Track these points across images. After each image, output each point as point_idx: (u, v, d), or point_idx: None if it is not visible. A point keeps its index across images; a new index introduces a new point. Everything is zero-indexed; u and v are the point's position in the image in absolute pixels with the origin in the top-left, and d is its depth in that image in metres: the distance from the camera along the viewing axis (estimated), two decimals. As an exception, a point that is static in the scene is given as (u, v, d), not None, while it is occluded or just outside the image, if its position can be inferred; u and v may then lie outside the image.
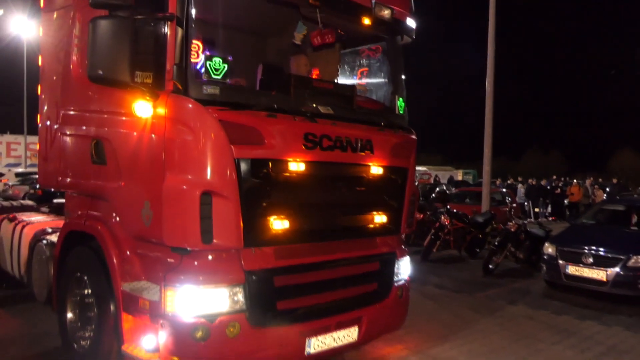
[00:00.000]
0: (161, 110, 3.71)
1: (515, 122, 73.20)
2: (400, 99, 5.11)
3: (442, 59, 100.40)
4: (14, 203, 7.61)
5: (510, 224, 10.30)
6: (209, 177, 3.62)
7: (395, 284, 4.97)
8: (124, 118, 4.07)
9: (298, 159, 3.98)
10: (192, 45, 3.79)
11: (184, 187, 3.60)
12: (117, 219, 4.21)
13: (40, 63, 5.52)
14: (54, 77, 5.18)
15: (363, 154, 4.46)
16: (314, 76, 5.06)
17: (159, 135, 3.74)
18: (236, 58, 4.47)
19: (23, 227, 6.01)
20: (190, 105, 3.64)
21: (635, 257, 7.72)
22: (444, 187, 25.04)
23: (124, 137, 4.12)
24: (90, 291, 4.42)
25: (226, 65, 3.82)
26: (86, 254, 4.48)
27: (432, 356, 5.44)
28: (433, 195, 20.51)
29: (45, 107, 5.38)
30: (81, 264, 4.57)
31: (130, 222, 4.05)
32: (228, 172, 3.66)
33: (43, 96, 5.45)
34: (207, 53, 3.82)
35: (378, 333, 4.95)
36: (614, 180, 25.79)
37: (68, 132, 4.94)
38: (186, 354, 3.65)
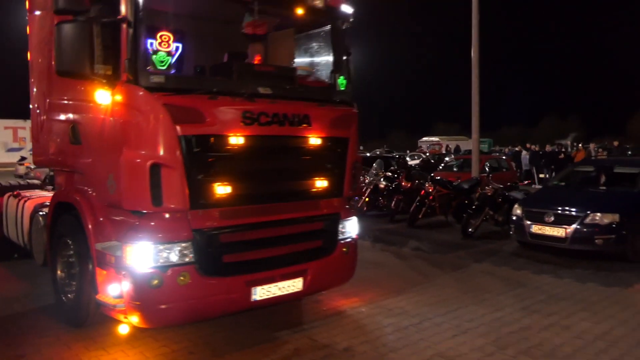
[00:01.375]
0: (118, 97, 4.42)
1: (531, 88, 72.11)
2: (342, 77, 5.70)
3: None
4: (21, 182, 8.51)
5: (487, 188, 10.82)
6: (156, 151, 4.33)
7: (341, 241, 5.65)
8: (90, 105, 4.79)
9: (237, 134, 4.65)
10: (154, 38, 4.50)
11: (137, 160, 4.32)
12: (91, 190, 4.97)
13: (29, 57, 6.28)
14: (40, 70, 5.94)
15: (300, 127, 5.10)
16: (256, 61, 5.68)
17: (116, 117, 4.45)
18: (194, 48, 5.14)
19: (25, 202, 6.86)
20: (140, 93, 4.33)
21: (592, 215, 8.21)
22: (452, 157, 25.50)
23: (91, 120, 4.86)
24: (73, 252, 5.22)
25: (170, 58, 4.48)
26: (70, 221, 5.26)
27: (382, 306, 6.11)
28: (442, 165, 21.03)
29: (35, 96, 6.16)
30: (66, 229, 5.36)
31: (100, 191, 4.81)
32: (173, 147, 4.35)
33: (34, 87, 6.22)
34: (153, 48, 4.46)
35: (325, 285, 5.66)
36: (615, 143, 25.71)
37: (52, 118, 5.71)
38: (144, 299, 4.40)
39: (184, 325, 5.11)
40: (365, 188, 13.46)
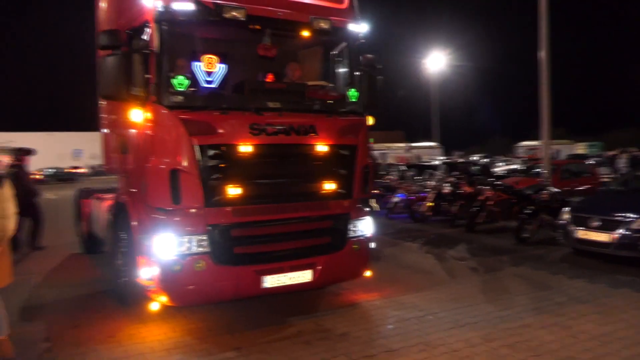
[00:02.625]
0: (147, 115, 5.39)
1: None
2: (352, 90, 6.29)
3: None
4: (103, 187, 10.01)
5: (544, 193, 10.66)
6: (175, 159, 5.23)
7: (352, 239, 6.21)
8: (130, 122, 5.80)
9: (245, 143, 5.43)
10: (179, 64, 5.47)
11: (161, 166, 5.25)
12: (134, 192, 6.01)
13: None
14: None
15: (307, 135, 5.77)
16: (268, 79, 6.42)
17: (146, 131, 5.43)
18: (234, 69, 6.01)
19: (102, 202, 8.17)
20: (163, 110, 5.27)
21: (638, 220, 7.95)
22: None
23: (131, 134, 5.90)
24: (125, 243, 6.29)
25: (188, 81, 5.37)
26: (123, 218, 6.36)
27: (396, 301, 6.56)
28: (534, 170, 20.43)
29: (102, 115, 7.44)
30: (121, 225, 6.47)
31: (139, 193, 5.83)
32: (188, 154, 5.22)
33: (101, 107, 7.51)
34: (172, 74, 5.37)
35: (335, 278, 6.26)
36: None
37: (111, 132, 6.91)
38: (167, 281, 5.29)
39: (205, 305, 5.96)
40: (428, 193, 13.71)
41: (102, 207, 8.09)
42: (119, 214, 6.55)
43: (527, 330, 5.47)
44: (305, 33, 5.91)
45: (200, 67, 5.81)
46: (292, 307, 6.24)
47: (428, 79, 40.44)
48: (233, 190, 5.43)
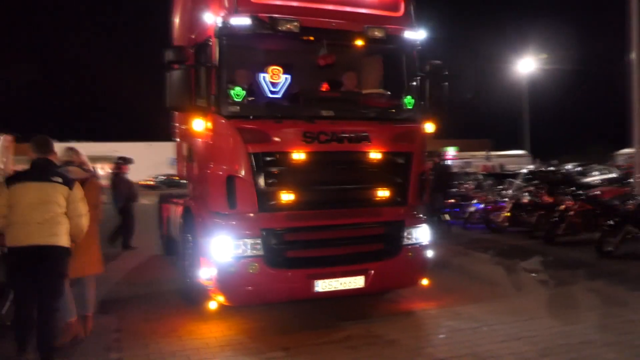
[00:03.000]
0: (208, 124, 5.75)
1: None
2: (409, 97, 6.31)
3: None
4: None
5: (630, 203, 9.93)
6: (232, 166, 5.54)
7: (406, 246, 6.19)
8: (194, 131, 6.19)
9: (299, 150, 5.63)
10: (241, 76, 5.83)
11: (219, 172, 5.59)
12: (198, 197, 6.40)
13: None
14: None
15: (360, 143, 5.86)
16: (323, 88, 6.57)
17: (207, 140, 5.80)
18: (297, 78, 6.29)
19: (176, 207, 8.74)
20: (221, 120, 5.60)
21: None
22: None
23: (195, 143, 6.31)
24: (192, 245, 6.70)
25: (244, 92, 5.67)
26: (190, 221, 6.79)
27: (452, 311, 6.43)
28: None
29: (174, 125, 7.99)
30: (188, 228, 6.90)
31: (201, 198, 6.20)
32: (244, 162, 5.51)
33: (173, 118, 8.06)
34: (230, 85, 5.69)
35: (388, 285, 6.28)
36: None
37: (180, 141, 7.41)
38: (224, 281, 5.58)
39: (260, 306, 6.20)
40: (506, 203, 13.23)
41: (176, 211, 8.65)
42: (187, 217, 6.99)
43: (588, 347, 5.18)
44: (360, 42, 6.02)
45: (265, 78, 6.13)
46: (346, 312, 6.32)
47: (518, 84, 38.85)
48: (286, 196, 5.63)
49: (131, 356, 5.14)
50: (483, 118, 66.28)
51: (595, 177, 24.70)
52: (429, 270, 6.52)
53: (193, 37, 6.61)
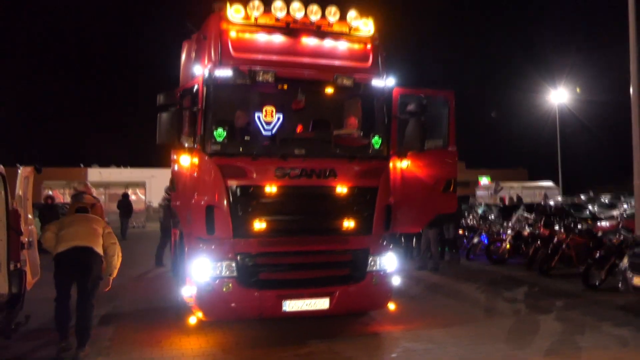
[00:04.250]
0: (194, 160, 6.60)
1: None
2: (376, 137, 7.01)
3: None
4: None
5: (615, 237, 10.22)
6: (211, 197, 6.34)
7: (371, 273, 6.82)
8: (180, 165, 7.04)
9: (271, 184, 6.39)
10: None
11: (201, 202, 6.39)
12: (185, 223, 7.22)
13: None
14: None
15: (327, 178, 6.58)
16: (299, 130, 7.34)
17: (192, 173, 6.63)
18: (253, 119, 7.13)
19: (176, 231, 9.61)
20: (205, 157, 6.43)
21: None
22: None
23: (181, 175, 7.15)
24: (182, 265, 7.49)
25: (225, 132, 6.49)
26: (181, 244, 7.61)
27: (416, 334, 6.96)
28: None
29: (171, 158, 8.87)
30: (181, 250, 7.73)
31: (185, 224, 7.02)
32: (222, 194, 6.30)
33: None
34: (214, 126, 6.51)
35: (352, 307, 6.88)
36: None
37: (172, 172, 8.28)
38: (202, 298, 6.34)
39: (234, 322, 6.90)
40: (506, 234, 13.59)
41: (176, 235, 9.53)
42: (181, 241, 7.82)
43: (523, 369, 5.65)
44: (330, 90, 6.80)
45: (260, 118, 6.97)
46: (317, 331, 6.93)
47: (553, 114, 38.82)
48: (258, 224, 6.38)
49: (114, 353, 5.97)
50: (521, 147, 65.76)
51: (619, 210, 24.49)
52: (393, 295, 7.10)
53: (188, 83, 7.53)
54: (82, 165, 46.05)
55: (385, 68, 7.16)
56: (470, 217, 15.89)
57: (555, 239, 11.73)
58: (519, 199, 21.14)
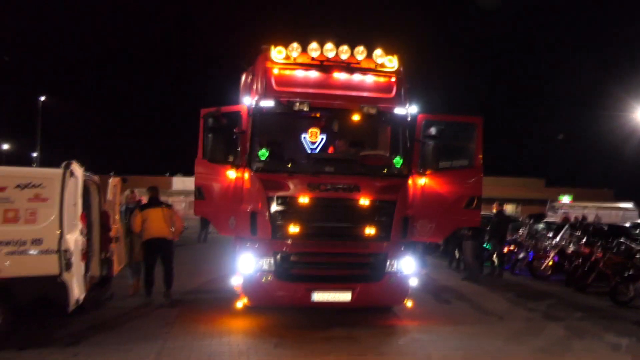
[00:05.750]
0: (241, 175, 8.08)
1: None
2: (398, 157, 8.19)
3: None
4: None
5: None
6: (255, 204, 7.79)
7: (388, 274, 7.97)
8: (218, 177, 8.39)
9: (304, 196, 7.74)
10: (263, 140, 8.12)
11: (247, 209, 7.87)
12: (235, 226, 8.62)
13: None
14: None
15: (352, 192, 7.84)
16: (330, 151, 8.63)
17: (238, 185, 8.11)
18: (292, 141, 8.52)
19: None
20: (251, 173, 7.90)
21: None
22: None
23: (218, 185, 8.43)
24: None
25: (268, 152, 7.93)
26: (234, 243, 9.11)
27: (426, 329, 8.01)
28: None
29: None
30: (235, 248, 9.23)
31: (237, 227, 8.44)
32: (264, 203, 7.73)
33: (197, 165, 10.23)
34: (258, 147, 7.96)
35: (371, 302, 8.06)
36: None
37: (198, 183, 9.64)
38: (246, 287, 7.80)
39: (272, 308, 8.28)
40: (549, 251, 14.07)
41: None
42: (235, 241, 9.36)
43: (504, 357, 6.58)
44: (357, 117, 8.09)
45: (306, 139, 8.41)
46: (340, 320, 8.13)
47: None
48: (293, 229, 7.74)
49: (177, 329, 7.52)
50: (610, 168, 63.19)
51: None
52: (410, 294, 8.18)
53: (233, 107, 8.86)
54: (168, 174, 49.75)
55: (407, 98, 8.35)
56: (519, 233, 16.35)
57: (593, 257, 12.17)
58: (584, 218, 20.98)
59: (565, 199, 55.35)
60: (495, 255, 14.76)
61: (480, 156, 8.60)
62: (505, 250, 15.32)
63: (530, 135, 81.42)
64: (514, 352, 6.99)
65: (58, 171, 6.65)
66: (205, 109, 8.04)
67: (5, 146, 50.16)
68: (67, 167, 6.68)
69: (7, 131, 50.07)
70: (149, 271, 9.50)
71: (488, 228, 14.74)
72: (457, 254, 15.31)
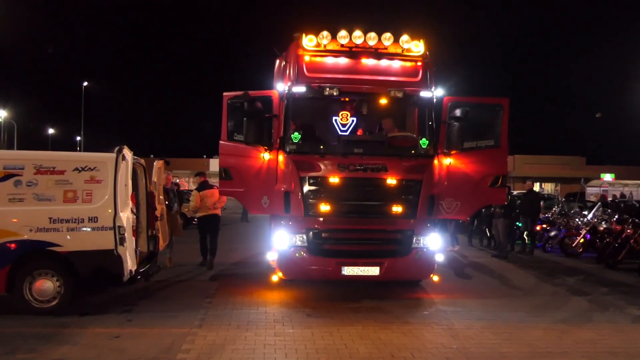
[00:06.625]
0: (274, 156, 8.59)
1: None
2: (424, 138, 8.55)
3: None
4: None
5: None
6: (288, 184, 8.31)
7: (415, 249, 8.40)
8: (252, 158, 8.90)
9: (334, 176, 8.21)
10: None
11: (281, 189, 8.40)
12: (271, 205, 9.15)
13: None
14: None
15: (379, 172, 8.26)
16: (359, 133, 9.02)
17: (273, 167, 8.64)
18: (323, 124, 8.97)
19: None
20: (285, 155, 8.42)
21: None
22: None
23: (250, 167, 8.92)
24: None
25: (300, 135, 8.40)
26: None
27: (452, 301, 8.41)
28: None
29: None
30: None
31: (272, 205, 8.98)
32: (296, 183, 8.24)
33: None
34: (291, 130, 8.44)
35: (399, 276, 8.52)
36: None
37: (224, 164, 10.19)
38: (281, 262, 8.37)
39: (305, 281, 8.82)
40: (581, 229, 14.18)
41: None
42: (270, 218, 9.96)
43: (524, 329, 6.95)
44: (384, 100, 8.48)
45: (337, 121, 8.87)
46: (370, 293, 8.64)
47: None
48: (324, 207, 8.24)
49: (218, 300, 8.19)
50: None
51: None
52: (435, 269, 8.61)
53: (271, 95, 9.35)
54: (205, 157, 51.09)
55: (433, 81, 8.66)
56: (552, 211, 16.43)
57: (624, 234, 12.26)
58: (622, 196, 20.85)
59: (607, 177, 54.18)
60: (526, 233, 14.98)
61: (506, 136, 8.86)
62: (538, 228, 15.48)
63: (568, 114, 79.32)
64: (534, 322, 7.33)
65: (111, 155, 7.32)
66: (229, 92, 8.55)
67: (51, 130, 52.41)
68: (120, 151, 7.34)
69: (53, 116, 52.27)
70: (203, 242, 11.02)
71: (519, 205, 14.93)
72: (488, 232, 15.58)
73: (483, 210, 14.32)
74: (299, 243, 8.32)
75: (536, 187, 42.75)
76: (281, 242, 8.37)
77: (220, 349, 5.98)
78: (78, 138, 50.35)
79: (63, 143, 49.82)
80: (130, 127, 62.07)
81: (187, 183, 26.44)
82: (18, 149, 39.26)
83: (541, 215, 15.73)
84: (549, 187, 51.50)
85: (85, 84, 47.55)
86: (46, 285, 7.21)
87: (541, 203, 16.39)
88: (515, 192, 17.61)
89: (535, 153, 52.07)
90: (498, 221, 13.59)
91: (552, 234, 15.14)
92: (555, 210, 16.29)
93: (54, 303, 7.24)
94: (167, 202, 10.19)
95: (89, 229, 7.20)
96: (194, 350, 5.91)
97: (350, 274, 8.28)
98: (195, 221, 12.10)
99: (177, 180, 18.41)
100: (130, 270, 7.43)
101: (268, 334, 6.58)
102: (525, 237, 14.99)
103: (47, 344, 6.03)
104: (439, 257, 8.73)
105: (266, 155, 8.56)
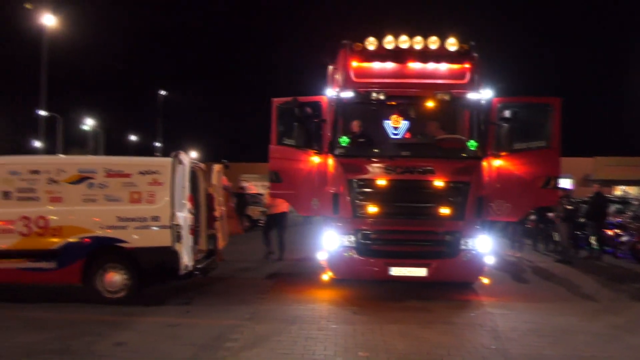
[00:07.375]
0: (323, 159, 8.91)
1: None
2: (472, 140, 8.58)
3: None
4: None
5: None
6: (337, 186, 8.61)
7: (463, 251, 8.42)
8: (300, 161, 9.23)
9: (382, 178, 8.42)
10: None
11: (330, 191, 8.72)
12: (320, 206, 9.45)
13: None
14: None
15: (426, 174, 8.38)
16: (407, 136, 9.12)
17: (323, 170, 8.96)
18: (372, 128, 9.19)
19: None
20: (333, 158, 8.73)
21: None
22: None
23: (299, 170, 9.25)
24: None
25: (349, 139, 8.69)
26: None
27: (500, 304, 8.32)
28: None
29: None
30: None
31: (321, 207, 9.27)
32: (344, 185, 8.53)
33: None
34: (338, 134, 8.72)
35: (446, 278, 8.59)
36: None
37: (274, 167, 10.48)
38: (331, 261, 8.67)
39: (353, 280, 9.04)
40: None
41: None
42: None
43: (572, 333, 6.84)
44: (431, 103, 8.59)
45: (389, 124, 9.14)
46: (417, 294, 8.71)
47: None
48: (371, 208, 8.48)
49: (270, 296, 8.63)
50: None
51: None
52: (485, 271, 8.58)
53: (320, 101, 9.60)
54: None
55: (481, 82, 8.68)
56: (624, 215, 15.62)
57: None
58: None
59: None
60: (594, 238, 14.36)
61: (558, 137, 8.69)
62: (610, 233, 14.78)
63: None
64: (585, 327, 7.16)
65: (169, 160, 7.96)
66: (278, 98, 8.97)
67: (133, 137, 55.80)
68: (176, 156, 7.97)
69: (134, 125, 55.77)
70: (268, 235, 12.74)
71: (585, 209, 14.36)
72: (554, 237, 15.07)
73: (549, 214, 14.00)
74: (347, 243, 8.58)
75: (618, 191, 40.35)
76: (331, 242, 8.68)
77: (265, 339, 6.37)
78: (157, 144, 53.27)
79: (144, 149, 52.97)
80: (203, 133, 64.96)
81: (256, 187, 27.38)
82: (105, 154, 42.27)
83: (612, 219, 15.02)
84: (634, 191, 48.33)
85: (163, 92, 50.33)
86: (115, 277, 7.94)
87: (610, 207, 15.66)
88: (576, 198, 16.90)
89: (618, 155, 49.09)
90: (560, 225, 13.18)
91: (624, 239, 14.42)
92: (628, 215, 15.47)
93: (121, 294, 7.95)
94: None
95: (151, 228, 7.86)
96: (241, 340, 6.35)
97: (398, 274, 8.45)
98: (260, 222, 12.98)
99: (245, 184, 19.26)
100: (187, 265, 8.02)
101: (312, 328, 6.90)
102: (593, 242, 14.38)
103: (111, 329, 6.69)
104: (490, 260, 8.69)
105: (315, 159, 8.91)
